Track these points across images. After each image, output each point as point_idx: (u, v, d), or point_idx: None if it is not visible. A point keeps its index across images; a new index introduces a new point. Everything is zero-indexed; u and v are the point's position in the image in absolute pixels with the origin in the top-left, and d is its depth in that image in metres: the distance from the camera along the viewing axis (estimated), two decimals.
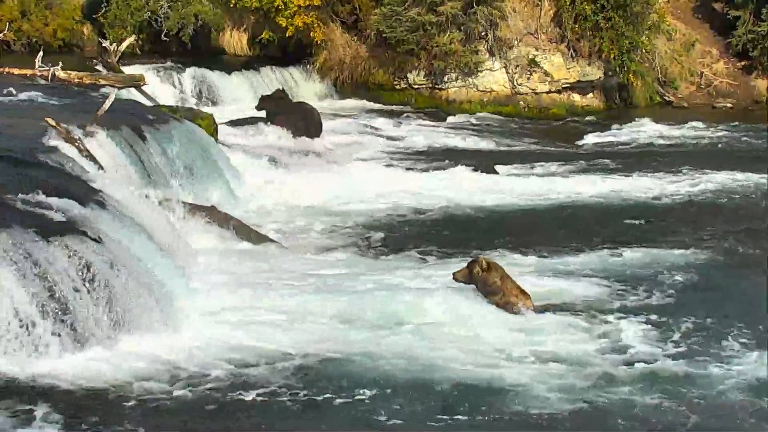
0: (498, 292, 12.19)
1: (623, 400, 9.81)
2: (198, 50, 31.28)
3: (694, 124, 27.91)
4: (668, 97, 32.11)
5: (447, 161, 21.92)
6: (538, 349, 11.02)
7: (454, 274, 12.66)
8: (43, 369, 9.80)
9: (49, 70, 23.16)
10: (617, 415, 9.52)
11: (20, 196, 11.69)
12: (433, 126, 27.06)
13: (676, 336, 11.53)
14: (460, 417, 9.41)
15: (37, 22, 30.99)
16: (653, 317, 12.09)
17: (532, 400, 9.73)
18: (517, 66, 30.25)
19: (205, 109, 23.87)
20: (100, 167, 15.31)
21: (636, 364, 10.64)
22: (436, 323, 11.62)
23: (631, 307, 12.51)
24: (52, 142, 15.28)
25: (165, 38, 30.94)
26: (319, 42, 30.14)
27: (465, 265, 12.68)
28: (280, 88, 26.46)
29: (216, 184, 17.90)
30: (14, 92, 20.20)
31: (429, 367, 10.37)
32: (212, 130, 20.92)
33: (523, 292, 12.24)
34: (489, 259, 12.78)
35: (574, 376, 10.31)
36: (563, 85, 30.49)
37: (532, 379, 10.17)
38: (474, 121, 28.34)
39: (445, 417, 9.40)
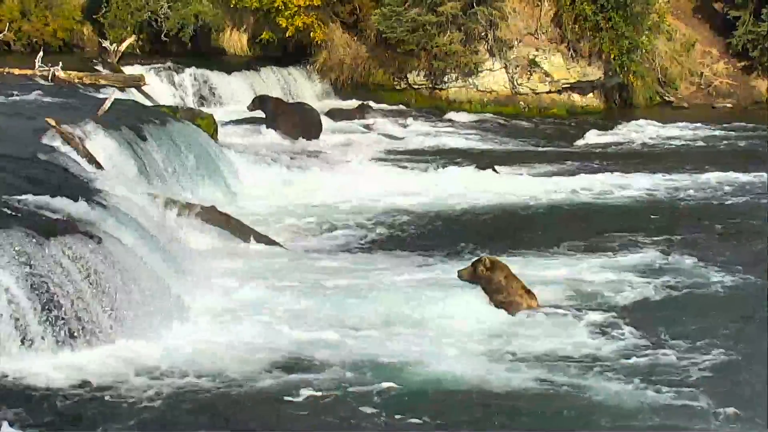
0: (502, 291, 12.15)
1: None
2: (198, 50, 31.30)
3: (693, 124, 27.90)
4: (668, 97, 32.11)
5: (447, 161, 21.92)
6: (536, 348, 11.01)
7: (459, 272, 12.64)
8: (41, 368, 9.78)
9: (49, 70, 23.29)
10: (610, 412, 9.53)
11: (20, 196, 11.71)
12: (433, 126, 27.05)
13: (673, 335, 11.50)
14: (458, 417, 9.41)
15: (37, 23, 30.99)
16: (654, 317, 12.06)
17: (525, 400, 9.75)
18: (517, 66, 30.25)
19: (205, 109, 23.91)
20: (100, 167, 15.34)
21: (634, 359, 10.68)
22: (439, 322, 11.61)
23: (631, 307, 12.48)
24: (52, 142, 15.32)
25: (165, 38, 30.96)
26: (319, 42, 30.14)
27: (470, 263, 12.67)
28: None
29: (216, 184, 17.91)
30: (14, 92, 20.23)
31: (429, 367, 10.35)
32: (212, 130, 20.96)
33: (528, 291, 12.19)
34: (493, 258, 12.75)
35: (569, 375, 10.31)
36: (563, 86, 30.49)
37: (527, 378, 10.17)
38: (474, 122, 28.33)
39: (442, 417, 9.41)
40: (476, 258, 12.87)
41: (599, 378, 10.26)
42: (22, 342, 9.90)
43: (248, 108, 24.44)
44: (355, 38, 30.83)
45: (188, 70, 27.90)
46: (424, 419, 9.33)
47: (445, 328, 11.49)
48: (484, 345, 11.08)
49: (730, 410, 9.41)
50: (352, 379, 10.08)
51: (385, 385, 9.91)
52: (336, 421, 9.30)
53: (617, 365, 10.61)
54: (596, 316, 12.00)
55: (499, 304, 12.11)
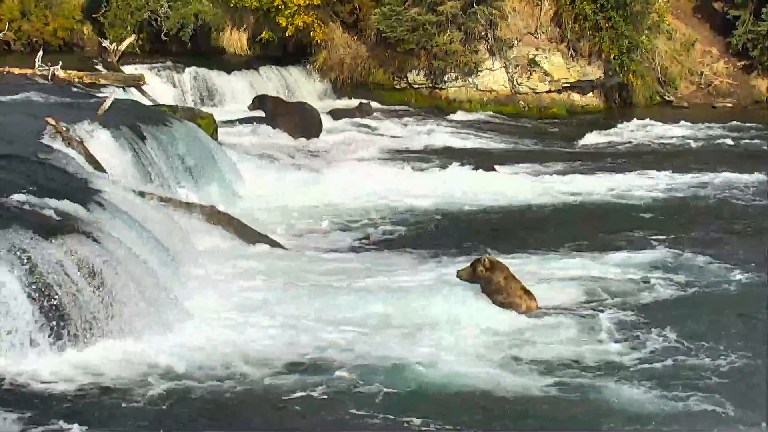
0: (502, 291, 12.14)
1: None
2: (198, 50, 31.28)
3: (693, 123, 27.88)
4: (668, 96, 32.10)
5: (447, 161, 21.88)
6: (536, 350, 10.98)
7: (458, 271, 12.63)
8: (43, 368, 9.80)
9: (49, 69, 23.25)
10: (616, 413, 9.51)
11: (20, 196, 11.68)
12: (433, 126, 27.04)
13: (687, 335, 11.46)
14: (456, 418, 9.39)
15: (37, 22, 30.96)
16: (670, 316, 12.02)
17: (527, 403, 9.71)
18: (517, 66, 30.26)
19: (205, 109, 23.88)
20: (100, 167, 15.31)
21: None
22: (446, 322, 11.59)
23: (642, 306, 12.45)
24: (52, 142, 15.29)
25: (165, 38, 30.95)
26: (319, 42, 30.15)
27: (469, 263, 12.66)
28: None
29: (216, 184, 17.87)
30: (14, 92, 20.18)
31: (436, 369, 10.32)
32: (212, 129, 20.92)
33: (527, 292, 12.17)
34: (493, 258, 12.73)
35: (569, 377, 10.28)
36: (563, 85, 30.50)
37: (529, 380, 10.14)
38: (474, 121, 28.32)
39: (447, 419, 9.38)
40: (476, 258, 12.84)
41: (611, 380, 10.22)
42: (24, 342, 9.89)
43: (248, 107, 24.48)
44: (355, 38, 30.84)
45: (188, 70, 27.89)
46: (429, 421, 9.30)
47: (452, 328, 11.43)
48: (491, 346, 11.05)
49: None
50: (358, 380, 10.05)
51: (390, 386, 9.89)
52: (340, 422, 9.28)
53: (631, 367, 10.58)
54: (606, 316, 11.99)
55: (498, 305, 12.09)
